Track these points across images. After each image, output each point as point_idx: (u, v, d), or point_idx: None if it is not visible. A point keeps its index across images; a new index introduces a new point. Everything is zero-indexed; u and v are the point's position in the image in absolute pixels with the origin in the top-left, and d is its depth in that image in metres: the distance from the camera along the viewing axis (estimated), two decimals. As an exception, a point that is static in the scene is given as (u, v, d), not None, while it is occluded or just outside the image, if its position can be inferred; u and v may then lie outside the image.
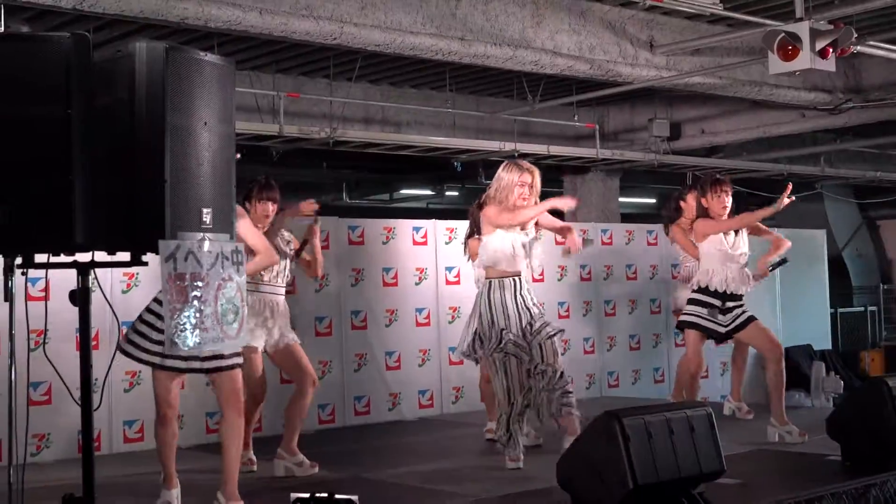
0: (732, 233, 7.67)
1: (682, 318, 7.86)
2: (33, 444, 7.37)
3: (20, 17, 8.28)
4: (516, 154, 12.43)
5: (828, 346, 14.30)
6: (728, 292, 7.58)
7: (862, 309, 18.17)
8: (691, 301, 7.77)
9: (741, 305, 7.65)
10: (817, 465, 6.66)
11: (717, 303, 7.61)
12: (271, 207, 6.71)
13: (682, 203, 8.82)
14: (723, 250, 7.58)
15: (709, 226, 7.61)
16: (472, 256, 7.62)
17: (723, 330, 7.67)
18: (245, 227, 5.86)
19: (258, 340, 6.65)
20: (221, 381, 5.42)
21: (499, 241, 6.74)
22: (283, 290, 6.87)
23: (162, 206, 3.78)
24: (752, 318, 7.63)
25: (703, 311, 7.65)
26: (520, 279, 6.79)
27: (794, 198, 7.61)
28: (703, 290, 7.64)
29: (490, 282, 6.76)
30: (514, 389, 6.66)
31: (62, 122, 3.74)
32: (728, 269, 7.59)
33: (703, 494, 5.18)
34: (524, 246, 6.79)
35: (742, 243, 7.71)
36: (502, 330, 6.65)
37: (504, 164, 6.91)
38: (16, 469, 3.90)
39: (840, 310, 17.23)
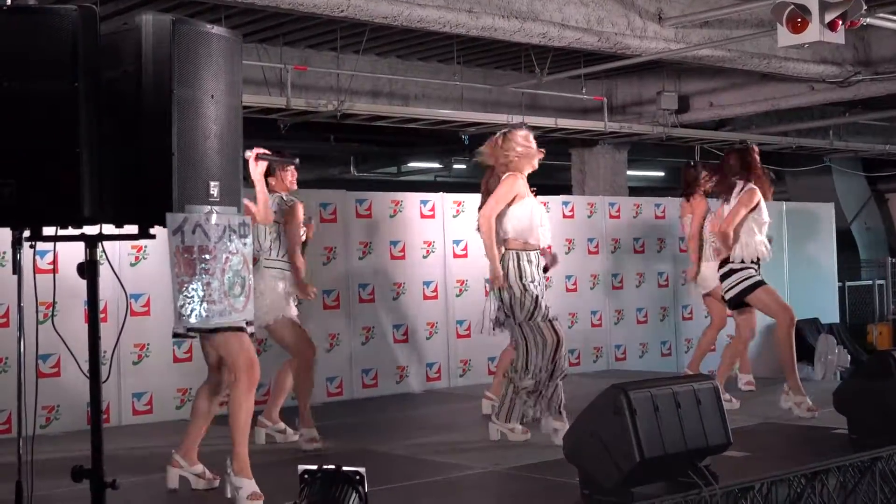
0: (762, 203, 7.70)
1: (735, 291, 7.66)
2: (42, 417, 7.41)
3: (27, -10, 8.25)
4: (524, 125, 12.39)
5: (835, 319, 14.28)
6: (763, 260, 7.61)
7: (870, 282, 18.12)
8: (730, 273, 7.65)
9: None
10: (823, 437, 6.68)
11: (755, 268, 7.62)
12: (292, 172, 6.83)
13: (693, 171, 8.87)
14: (758, 220, 7.59)
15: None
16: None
17: None
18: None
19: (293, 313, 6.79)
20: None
21: (523, 211, 6.71)
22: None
23: (169, 179, 3.78)
24: None
25: (751, 267, 7.59)
26: (538, 253, 6.80)
27: None
28: (744, 263, 7.60)
29: (518, 253, 6.72)
30: (559, 355, 6.63)
31: (69, 95, 3.74)
32: (760, 238, 7.60)
33: (709, 467, 5.21)
34: (543, 217, 6.80)
35: (767, 212, 7.76)
36: (536, 297, 6.64)
37: (521, 133, 6.86)
38: (25, 441, 3.92)
39: (848, 283, 17.19)
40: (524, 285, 6.65)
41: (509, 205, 6.71)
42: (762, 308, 7.64)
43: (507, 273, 6.71)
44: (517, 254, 6.71)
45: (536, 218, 6.72)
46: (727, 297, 7.73)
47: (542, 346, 6.62)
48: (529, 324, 6.64)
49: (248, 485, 5.20)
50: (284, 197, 6.74)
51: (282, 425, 7.03)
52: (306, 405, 6.82)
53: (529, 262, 6.72)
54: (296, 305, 6.90)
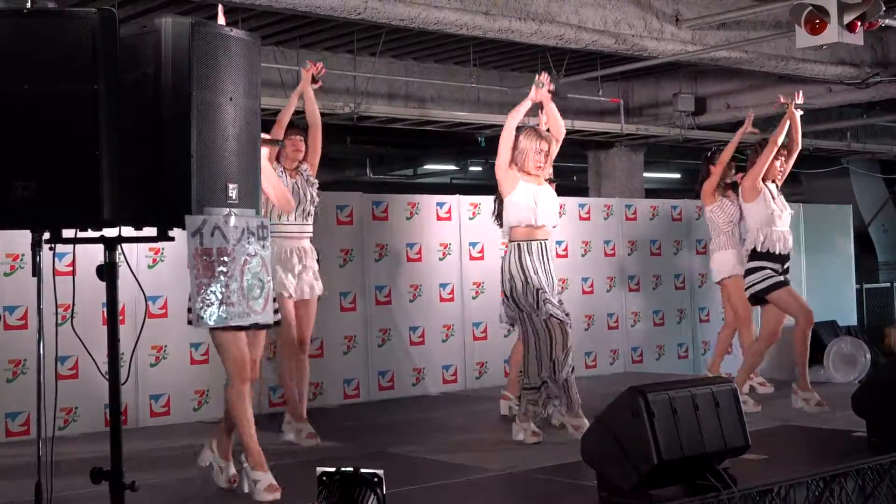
0: (775, 195, 7.71)
1: (757, 288, 7.68)
2: (61, 418, 7.44)
3: (46, -7, 8.29)
4: (539, 124, 12.38)
5: (853, 322, 14.23)
6: (785, 253, 7.63)
7: (888, 285, 18.04)
8: (755, 269, 7.68)
9: (788, 270, 7.73)
10: (842, 440, 6.65)
11: (779, 267, 7.61)
12: (300, 141, 6.97)
13: (711, 167, 8.83)
14: (770, 211, 7.62)
15: (749, 178, 7.75)
16: None
17: None
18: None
19: (286, 289, 6.79)
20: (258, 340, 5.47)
21: (521, 195, 6.75)
22: (309, 232, 7.00)
23: (188, 182, 3.78)
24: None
25: (773, 267, 7.60)
26: (546, 245, 6.80)
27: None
28: (764, 256, 7.61)
29: (518, 244, 6.74)
30: (558, 352, 6.63)
31: (89, 97, 3.75)
32: (778, 230, 7.62)
33: (727, 470, 5.19)
34: (544, 198, 6.80)
35: (785, 204, 7.78)
36: (538, 290, 6.64)
37: (524, 130, 6.92)
38: (44, 442, 3.94)
39: (866, 285, 17.13)
40: (526, 277, 6.67)
41: (509, 196, 6.80)
42: (783, 307, 7.66)
43: (509, 265, 6.74)
44: (518, 245, 6.75)
45: (531, 200, 6.73)
46: (748, 293, 7.75)
47: (537, 344, 6.64)
48: (532, 319, 6.66)
49: (265, 477, 5.26)
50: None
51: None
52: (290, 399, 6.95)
53: (530, 252, 6.73)
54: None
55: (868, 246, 19.01)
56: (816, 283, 13.20)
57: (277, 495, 5.21)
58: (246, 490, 5.29)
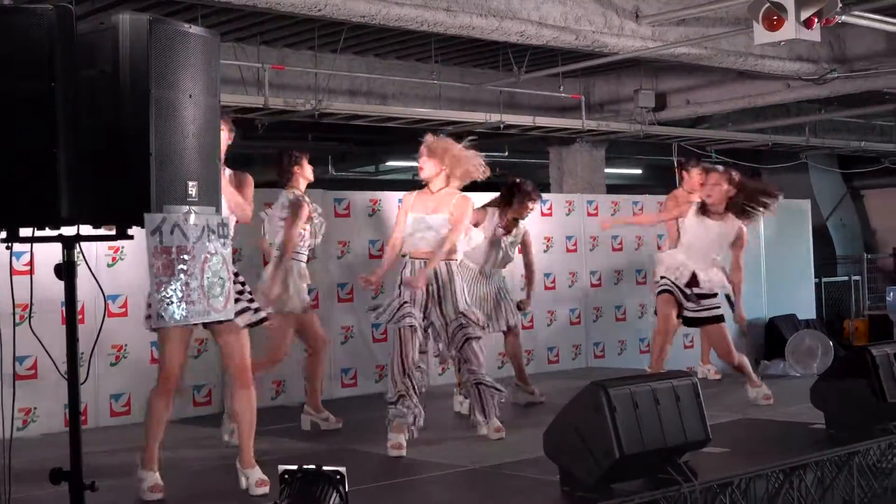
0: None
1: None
2: (20, 419, 7.37)
3: (1, -11, 8.20)
4: (501, 126, 12.42)
5: (812, 315, 14.37)
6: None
7: (846, 278, 18.24)
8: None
9: None
10: (801, 433, 6.72)
11: None
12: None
13: (685, 173, 8.94)
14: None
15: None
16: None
17: None
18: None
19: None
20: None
21: (410, 222, 6.93)
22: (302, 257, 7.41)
23: (147, 180, 3.75)
24: None
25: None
26: (417, 263, 6.78)
27: None
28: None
29: (413, 261, 6.80)
30: (406, 362, 6.61)
31: (46, 95, 3.71)
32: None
33: (688, 463, 5.23)
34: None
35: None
36: (404, 303, 6.65)
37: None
38: (2, 443, 3.90)
39: (824, 279, 17.30)
40: (400, 290, 6.73)
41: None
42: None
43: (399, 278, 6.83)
44: (412, 261, 6.85)
45: (409, 227, 6.88)
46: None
47: (393, 354, 6.70)
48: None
49: (152, 477, 5.40)
50: (297, 192, 7.35)
51: (325, 413, 7.45)
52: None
53: (405, 267, 6.82)
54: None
55: (826, 240, 19.19)
56: (776, 276, 13.33)
57: (160, 495, 5.32)
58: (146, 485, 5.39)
